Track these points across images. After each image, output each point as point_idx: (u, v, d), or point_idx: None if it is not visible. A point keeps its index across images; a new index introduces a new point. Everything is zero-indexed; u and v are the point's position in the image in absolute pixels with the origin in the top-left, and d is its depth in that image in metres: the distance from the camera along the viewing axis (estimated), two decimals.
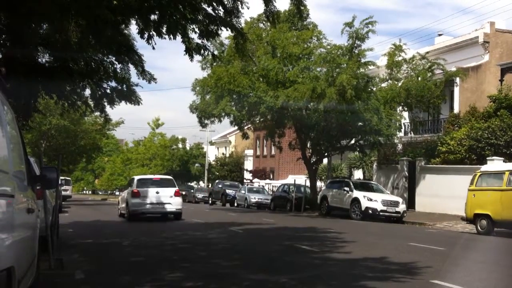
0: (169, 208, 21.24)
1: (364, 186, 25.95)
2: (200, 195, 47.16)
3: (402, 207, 23.75)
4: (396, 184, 30.49)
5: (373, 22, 26.50)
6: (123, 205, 22.43)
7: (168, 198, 21.17)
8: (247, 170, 55.69)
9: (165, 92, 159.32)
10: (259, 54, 28.33)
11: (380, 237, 15.26)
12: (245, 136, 33.28)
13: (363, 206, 23.70)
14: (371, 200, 23.78)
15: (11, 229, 4.00)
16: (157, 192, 21.09)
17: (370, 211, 23.48)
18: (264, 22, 29.72)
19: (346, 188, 25.51)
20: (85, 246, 12.14)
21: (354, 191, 24.69)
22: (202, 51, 10.57)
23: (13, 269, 3.77)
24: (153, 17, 10.01)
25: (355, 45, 26.81)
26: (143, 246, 12.09)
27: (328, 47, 27.89)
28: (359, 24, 26.41)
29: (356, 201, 24.27)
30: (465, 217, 17.99)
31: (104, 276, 8.19)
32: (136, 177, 23.65)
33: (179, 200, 21.74)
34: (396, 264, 9.29)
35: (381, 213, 23.31)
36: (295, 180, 33.37)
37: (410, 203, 27.98)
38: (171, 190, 21.48)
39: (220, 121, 31.07)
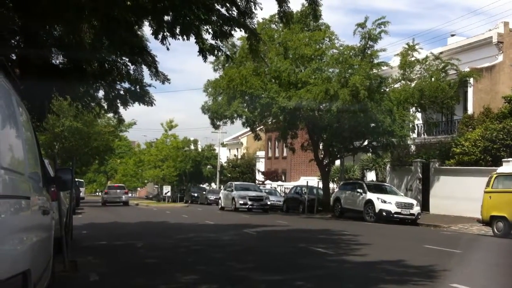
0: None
1: (377, 188, 25.73)
2: (212, 197, 47.08)
3: (416, 209, 23.52)
4: (409, 186, 30.24)
5: (385, 23, 26.35)
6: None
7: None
8: (259, 172, 55.60)
9: (176, 94, 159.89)
10: (271, 55, 28.22)
11: (395, 239, 15.11)
12: (257, 137, 33.22)
13: (377, 208, 23.49)
14: (385, 202, 23.57)
15: (27, 232, 3.94)
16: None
17: (384, 213, 23.27)
18: (276, 23, 29.63)
19: (359, 190, 25.32)
20: (99, 248, 12.11)
21: (368, 193, 24.49)
22: (215, 52, 10.50)
23: (29, 272, 3.71)
24: (166, 18, 9.97)
25: (368, 45, 26.65)
26: (157, 248, 12.03)
27: (341, 48, 27.75)
28: (372, 24, 26.29)
29: (369, 203, 24.06)
30: (481, 219, 17.76)
31: (118, 278, 8.13)
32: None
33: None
34: (413, 267, 9.15)
35: (395, 215, 23.10)
36: (307, 182, 33.25)
37: (424, 205, 27.72)
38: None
39: (232, 122, 31.03)
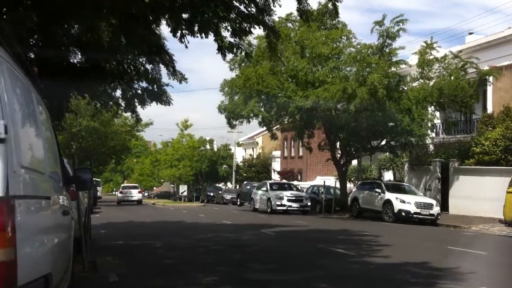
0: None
1: (396, 187, 25.40)
2: (228, 196, 47.04)
3: (436, 209, 23.17)
4: (428, 185, 29.85)
5: (403, 21, 26.03)
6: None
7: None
8: (274, 171, 55.40)
9: (191, 94, 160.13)
10: (288, 54, 28.04)
11: (417, 240, 14.85)
12: (273, 137, 33.05)
13: (396, 208, 23.18)
14: (404, 202, 23.24)
15: (48, 233, 3.82)
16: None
17: (403, 214, 22.95)
18: (292, 22, 29.45)
19: (378, 190, 25.02)
20: (118, 248, 12.04)
21: (386, 192, 24.18)
22: (234, 50, 10.35)
23: (50, 275, 3.59)
24: (185, 15, 9.85)
25: (386, 44, 26.36)
26: (176, 248, 11.93)
27: (358, 46, 27.47)
28: (390, 22, 26.00)
29: (388, 203, 23.75)
30: (504, 220, 17.43)
31: (138, 279, 8.02)
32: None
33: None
34: (438, 270, 8.91)
35: (414, 216, 22.77)
36: (324, 182, 32.96)
37: (443, 205, 27.30)
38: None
39: (248, 122, 30.87)
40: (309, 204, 29.37)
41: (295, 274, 8.49)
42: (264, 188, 31.21)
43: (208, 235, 15.42)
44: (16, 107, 3.25)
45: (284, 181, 36.13)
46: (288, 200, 28.76)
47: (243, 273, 8.52)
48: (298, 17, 27.98)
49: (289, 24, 29.68)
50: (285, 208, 28.44)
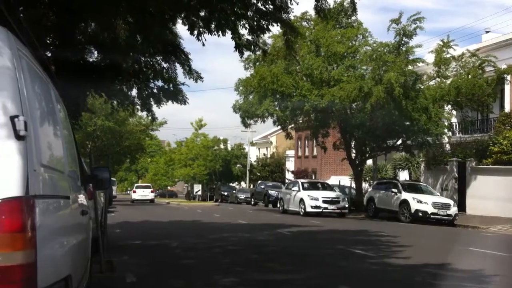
0: None
1: (412, 187, 25.10)
2: (242, 196, 46.94)
3: (453, 209, 22.88)
4: (445, 185, 29.51)
5: (420, 19, 25.76)
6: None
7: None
8: (288, 171, 55.18)
9: (204, 94, 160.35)
10: (303, 53, 27.87)
11: (435, 241, 14.63)
12: (288, 136, 32.88)
13: (413, 209, 22.90)
14: (421, 202, 22.96)
15: (67, 234, 3.72)
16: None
17: (420, 214, 22.67)
18: (307, 20, 29.26)
19: (394, 190, 24.74)
20: (134, 248, 11.97)
21: (403, 192, 23.91)
22: (252, 47, 10.23)
23: (70, 278, 3.48)
24: (202, 13, 9.75)
25: (402, 42, 26.09)
26: (192, 248, 11.82)
27: (374, 44, 27.21)
28: (406, 20, 25.73)
29: (405, 203, 23.48)
30: None
31: (155, 280, 7.91)
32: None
33: None
34: (460, 271, 8.71)
35: (431, 216, 22.48)
36: (340, 181, 32.72)
37: (460, 205, 26.93)
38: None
39: (263, 121, 30.75)
40: (346, 205, 26.52)
41: (315, 276, 8.34)
42: (296, 188, 27.99)
43: (224, 235, 15.31)
44: (36, 104, 3.14)
45: (318, 180, 32.18)
46: (324, 201, 25.85)
47: (262, 274, 8.40)
48: (313, 16, 28.18)
49: (304, 23, 29.49)
50: (320, 210, 25.60)
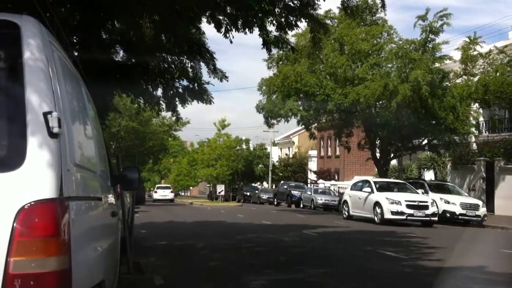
0: None
1: (440, 187, 24.59)
2: (264, 196, 46.78)
3: (482, 210, 22.38)
4: (472, 185, 28.97)
5: (447, 15, 25.31)
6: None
7: None
8: (311, 171, 54.81)
9: (226, 94, 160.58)
10: (327, 51, 27.56)
11: (466, 242, 14.20)
12: (312, 136, 32.59)
13: (440, 209, 22.41)
14: (448, 202, 22.50)
15: (100, 237, 3.56)
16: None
17: (447, 215, 22.19)
18: (331, 19, 28.93)
19: (421, 190, 24.25)
20: (160, 248, 11.85)
21: (430, 193, 23.42)
22: (280, 44, 10.03)
23: (103, 283, 3.31)
24: (229, 10, 9.58)
25: (429, 39, 25.64)
26: (219, 249, 11.66)
27: (400, 42, 26.80)
28: (433, 17, 25.30)
29: None
30: None
31: (184, 283, 7.75)
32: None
33: None
34: (499, 275, 8.39)
35: (459, 217, 22.01)
36: None
37: (488, 206, 26.40)
38: None
39: (287, 121, 30.53)
40: (436, 212, 21.31)
41: (349, 278, 8.09)
42: (368, 189, 23.13)
43: (249, 236, 15.13)
44: (68, 100, 2.97)
45: (396, 180, 26.50)
46: (409, 206, 20.81)
47: (293, 277, 8.17)
48: (337, 14, 27.86)
49: (328, 21, 29.17)
50: (404, 217, 20.60)
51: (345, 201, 24.83)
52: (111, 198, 4.84)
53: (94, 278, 3.02)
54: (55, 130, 2.44)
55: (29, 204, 2.34)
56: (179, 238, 14.14)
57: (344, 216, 24.42)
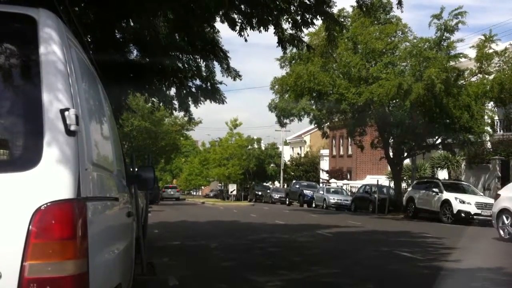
0: None
1: (454, 187, 24.28)
2: (276, 196, 46.63)
3: None
4: (487, 185, 28.63)
5: (462, 13, 25.03)
6: None
7: None
8: (323, 170, 54.59)
9: (237, 93, 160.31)
10: (340, 50, 27.37)
11: (483, 243, 14.04)
12: (325, 135, 32.43)
13: (455, 209, 22.14)
14: (463, 202, 22.19)
15: (117, 238, 3.47)
16: None
17: (462, 215, 21.89)
18: (344, 17, 28.73)
19: (435, 189, 23.98)
20: (174, 249, 11.78)
21: (444, 192, 23.15)
22: (295, 42, 9.92)
23: (120, 287, 3.22)
24: (244, 8, 9.49)
25: (444, 37, 25.38)
26: (232, 250, 11.58)
27: (414, 40, 26.55)
28: (448, 15, 25.04)
29: (446, 203, 22.73)
30: None
31: (199, 284, 7.66)
32: None
33: None
34: None
35: (474, 217, 21.70)
36: (378, 181, 32.10)
37: None
38: None
39: (300, 120, 30.41)
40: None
41: (365, 281, 7.94)
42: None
43: (262, 236, 15.03)
44: (86, 98, 2.88)
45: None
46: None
47: (308, 278, 8.05)
48: (351, 13, 27.68)
49: (341, 20, 28.97)
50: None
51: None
52: (126, 198, 4.76)
53: (111, 282, 2.94)
54: (73, 127, 2.34)
55: (45, 205, 2.25)
56: (192, 238, 14.08)
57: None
